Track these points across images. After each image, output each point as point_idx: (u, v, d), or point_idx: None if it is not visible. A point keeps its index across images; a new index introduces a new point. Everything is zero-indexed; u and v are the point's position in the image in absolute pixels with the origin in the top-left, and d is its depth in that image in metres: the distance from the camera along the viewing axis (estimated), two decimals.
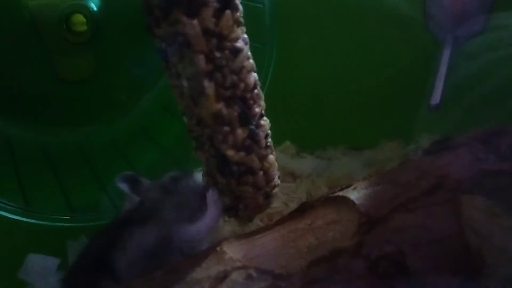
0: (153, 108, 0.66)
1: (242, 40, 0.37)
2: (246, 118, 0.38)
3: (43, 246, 0.54)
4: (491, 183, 0.38)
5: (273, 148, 0.41)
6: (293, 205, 0.62)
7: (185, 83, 0.37)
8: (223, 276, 0.33)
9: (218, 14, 0.35)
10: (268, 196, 0.40)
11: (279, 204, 0.63)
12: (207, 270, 0.34)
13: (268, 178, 0.40)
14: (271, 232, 0.39)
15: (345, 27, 0.67)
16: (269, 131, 0.40)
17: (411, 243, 0.33)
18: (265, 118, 0.40)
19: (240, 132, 0.37)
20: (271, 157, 0.40)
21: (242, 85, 0.37)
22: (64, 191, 0.55)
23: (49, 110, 0.64)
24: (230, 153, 0.37)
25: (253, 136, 0.38)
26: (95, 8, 0.60)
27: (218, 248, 0.36)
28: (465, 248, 0.34)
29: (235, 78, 0.37)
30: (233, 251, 0.36)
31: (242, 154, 0.38)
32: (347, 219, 0.37)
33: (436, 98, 0.59)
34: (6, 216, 0.49)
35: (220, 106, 0.36)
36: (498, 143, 0.41)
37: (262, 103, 0.40)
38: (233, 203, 0.39)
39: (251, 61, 0.38)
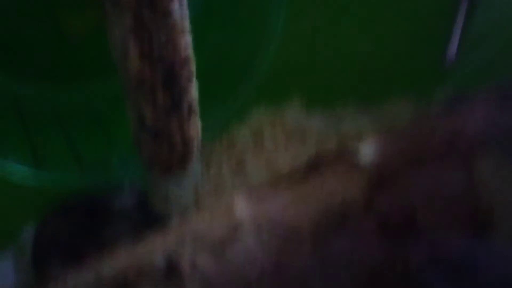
0: None
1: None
2: (170, 81, 0.37)
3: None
4: (505, 140, 0.37)
5: (197, 113, 0.41)
6: (301, 165, 0.62)
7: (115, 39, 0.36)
8: (234, 229, 0.33)
9: None
10: (184, 160, 0.41)
11: (288, 161, 0.63)
12: (218, 224, 0.34)
13: (186, 141, 0.41)
14: (280, 188, 0.40)
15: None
16: (195, 96, 0.40)
17: (422, 199, 0.33)
18: (193, 82, 0.39)
19: (162, 95, 0.37)
20: (194, 121, 0.40)
21: (170, 46, 0.36)
22: (74, 149, 0.55)
23: (55, 66, 0.63)
24: (148, 113, 0.38)
25: (175, 99, 0.38)
26: None
27: (228, 202, 0.37)
28: (476, 205, 0.34)
29: (163, 38, 0.36)
30: (243, 205, 0.36)
31: (161, 115, 0.38)
32: (357, 176, 0.37)
33: (452, 50, 0.57)
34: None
35: (142, 66, 0.36)
36: None
37: (192, 67, 0.39)
38: (151, 158, 0.41)
39: (185, 22, 0.37)
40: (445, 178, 0.35)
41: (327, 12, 0.67)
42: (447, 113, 0.41)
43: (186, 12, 0.37)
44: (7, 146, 0.51)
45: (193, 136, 0.41)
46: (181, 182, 0.53)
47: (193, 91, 0.40)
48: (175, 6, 0.36)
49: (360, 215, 0.33)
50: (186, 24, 0.37)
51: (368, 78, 0.69)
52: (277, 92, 0.71)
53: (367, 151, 0.38)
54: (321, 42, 0.68)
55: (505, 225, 0.33)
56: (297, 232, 0.33)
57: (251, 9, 0.63)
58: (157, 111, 0.38)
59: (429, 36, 0.63)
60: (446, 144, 0.37)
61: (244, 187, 0.55)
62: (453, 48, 0.57)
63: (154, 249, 0.33)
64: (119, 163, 0.57)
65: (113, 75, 0.66)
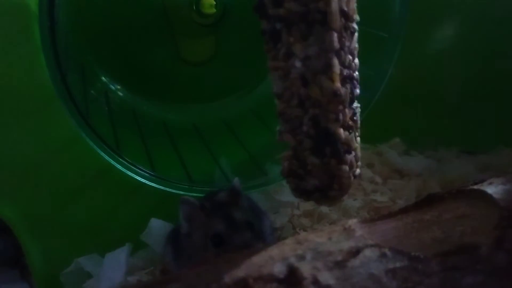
0: (269, 94, 0.68)
1: (356, 22, 0.38)
2: (352, 98, 0.39)
3: (161, 212, 0.57)
4: None
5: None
6: (401, 202, 0.60)
7: (297, 64, 0.36)
8: (356, 251, 0.33)
9: None
10: (355, 176, 0.41)
11: (386, 199, 0.61)
12: (338, 243, 0.34)
13: (357, 158, 0.40)
14: (393, 220, 0.38)
15: (476, 27, 0.64)
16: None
17: None
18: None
19: (348, 112, 0.38)
20: (359, 138, 0.41)
21: (353, 65, 0.38)
22: (183, 162, 0.58)
23: (171, 88, 0.68)
24: (340, 132, 0.37)
25: (354, 116, 0.39)
26: None
27: (346, 226, 0.36)
28: None
29: (350, 58, 0.38)
30: (361, 228, 0.36)
31: (347, 133, 0.38)
32: (482, 214, 0.35)
33: None
34: (134, 181, 0.53)
35: (340, 84, 0.37)
36: None
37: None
38: (326, 183, 0.39)
39: None
40: None
41: (443, 57, 0.66)
42: None
43: None
44: (131, 153, 0.54)
45: (360, 152, 0.41)
46: None
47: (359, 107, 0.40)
48: (356, 25, 0.38)
49: (491, 251, 0.32)
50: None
51: (475, 126, 0.67)
52: (376, 132, 0.70)
53: (494, 189, 0.37)
54: (430, 85, 0.67)
55: None
56: (425, 264, 0.31)
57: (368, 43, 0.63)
58: (345, 127, 0.38)
59: None
60: None
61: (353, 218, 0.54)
62: None
63: (273, 258, 0.33)
64: (221, 179, 0.59)
65: (221, 101, 0.70)
